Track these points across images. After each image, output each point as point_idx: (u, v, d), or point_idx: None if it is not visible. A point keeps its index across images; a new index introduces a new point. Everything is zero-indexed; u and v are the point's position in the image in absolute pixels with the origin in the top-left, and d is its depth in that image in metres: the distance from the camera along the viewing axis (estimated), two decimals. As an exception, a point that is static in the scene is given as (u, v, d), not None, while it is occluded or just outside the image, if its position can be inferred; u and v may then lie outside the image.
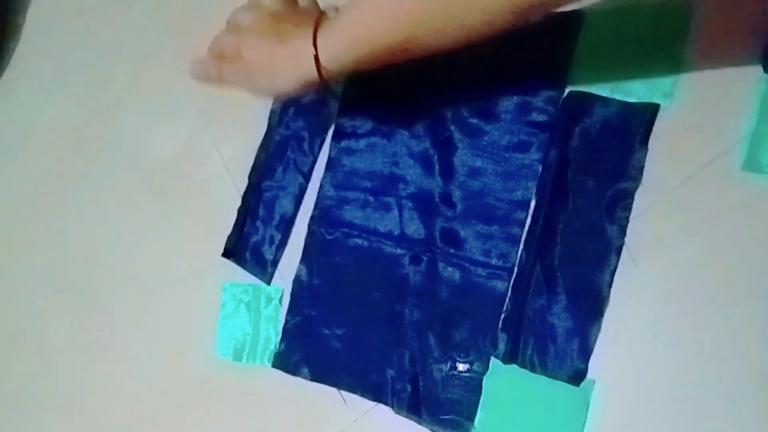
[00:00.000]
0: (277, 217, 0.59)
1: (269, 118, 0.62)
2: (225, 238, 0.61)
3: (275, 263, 0.58)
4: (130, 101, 0.70)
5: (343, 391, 0.54)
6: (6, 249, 0.75)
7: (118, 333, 0.65)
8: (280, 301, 0.57)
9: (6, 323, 0.73)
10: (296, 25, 0.47)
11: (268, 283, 0.58)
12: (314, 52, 0.45)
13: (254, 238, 0.60)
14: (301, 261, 0.57)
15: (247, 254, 0.60)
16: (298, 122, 0.60)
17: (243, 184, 0.62)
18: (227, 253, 0.60)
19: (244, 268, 0.59)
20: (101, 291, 0.68)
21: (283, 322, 0.57)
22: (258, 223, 0.60)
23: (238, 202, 0.62)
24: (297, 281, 0.57)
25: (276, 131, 0.61)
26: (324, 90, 0.57)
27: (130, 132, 0.70)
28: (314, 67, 0.45)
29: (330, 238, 0.57)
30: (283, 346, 0.57)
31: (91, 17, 0.75)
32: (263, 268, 0.59)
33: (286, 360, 0.56)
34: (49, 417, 0.68)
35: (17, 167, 0.76)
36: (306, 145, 0.59)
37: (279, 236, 0.59)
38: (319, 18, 0.47)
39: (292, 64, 0.46)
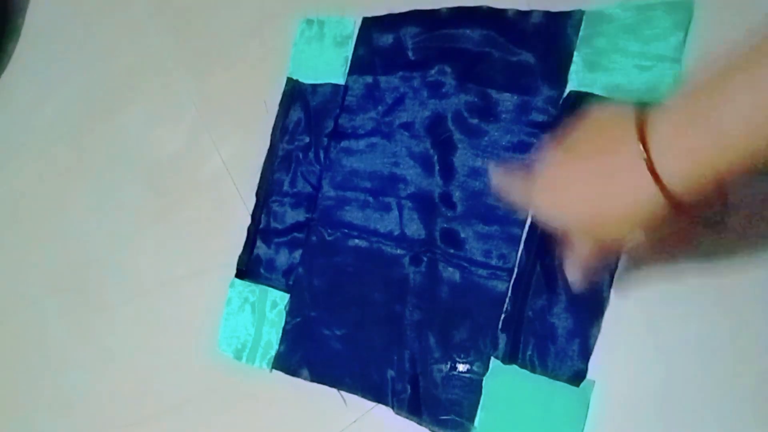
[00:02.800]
0: (289, 227, 0.59)
1: (272, 135, 0.61)
2: (224, 238, 0.61)
3: (290, 271, 0.58)
4: (130, 101, 0.70)
5: (343, 392, 0.54)
6: (6, 249, 0.75)
7: (118, 332, 0.66)
8: (285, 308, 0.57)
9: (6, 323, 0.73)
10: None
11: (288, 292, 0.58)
12: (644, 155, 0.31)
13: (268, 254, 0.60)
14: (301, 262, 0.58)
15: (262, 270, 0.60)
16: (303, 135, 0.60)
17: (243, 184, 0.62)
18: (240, 274, 0.60)
19: (261, 284, 0.59)
20: (101, 291, 0.68)
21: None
22: (270, 237, 0.60)
23: (239, 202, 0.62)
24: (297, 282, 0.57)
25: (279, 146, 0.61)
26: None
27: (130, 132, 0.70)
28: (651, 184, 0.30)
29: (330, 238, 0.57)
30: (283, 347, 0.57)
31: (91, 17, 0.75)
32: (282, 279, 0.59)
33: (286, 361, 0.56)
34: (49, 417, 0.68)
35: (17, 167, 0.77)
36: (312, 155, 0.59)
37: (293, 245, 0.58)
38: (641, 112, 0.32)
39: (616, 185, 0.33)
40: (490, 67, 0.53)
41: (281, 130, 0.61)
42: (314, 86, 0.60)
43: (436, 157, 0.54)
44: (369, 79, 0.58)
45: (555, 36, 0.51)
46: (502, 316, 0.49)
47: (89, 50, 0.74)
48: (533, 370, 0.47)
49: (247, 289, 0.59)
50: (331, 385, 0.54)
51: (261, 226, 0.60)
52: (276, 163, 0.61)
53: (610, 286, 0.46)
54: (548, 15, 0.51)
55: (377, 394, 0.52)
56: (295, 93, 0.61)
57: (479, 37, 0.53)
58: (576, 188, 0.35)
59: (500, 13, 0.53)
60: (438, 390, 0.50)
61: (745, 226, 0.41)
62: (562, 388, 0.46)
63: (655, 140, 0.31)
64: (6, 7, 0.80)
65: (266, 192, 0.61)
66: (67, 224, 0.71)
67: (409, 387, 0.51)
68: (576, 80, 0.49)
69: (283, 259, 0.59)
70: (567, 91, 0.50)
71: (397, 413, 0.51)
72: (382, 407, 0.52)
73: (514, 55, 0.52)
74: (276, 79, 0.62)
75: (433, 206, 0.53)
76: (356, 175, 0.57)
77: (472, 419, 0.49)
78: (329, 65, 0.60)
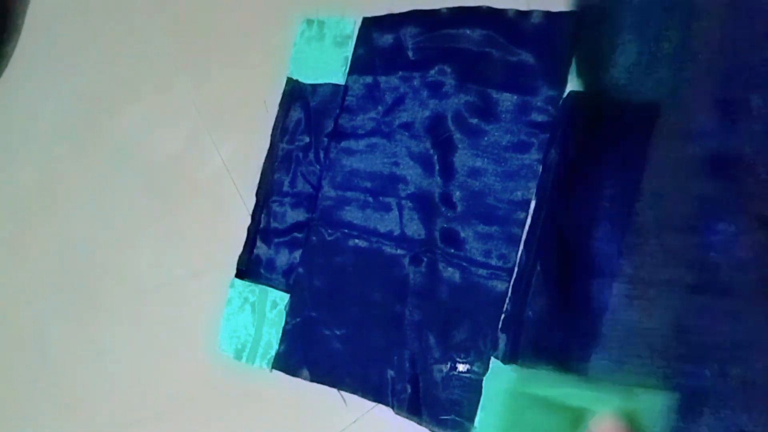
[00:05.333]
0: (289, 227, 0.59)
1: (272, 135, 0.61)
2: (225, 238, 0.61)
3: (290, 271, 0.58)
4: (130, 101, 0.70)
5: (343, 392, 0.54)
6: (6, 249, 0.75)
7: (118, 332, 0.65)
8: (285, 308, 0.57)
9: (6, 323, 0.73)
10: None
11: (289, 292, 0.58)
12: None
13: (268, 254, 0.60)
14: (301, 262, 0.57)
15: (262, 270, 0.59)
16: (303, 135, 0.60)
17: (243, 184, 0.62)
18: (240, 274, 0.60)
19: (261, 284, 0.59)
20: (101, 291, 0.68)
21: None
22: (270, 237, 0.60)
23: (239, 202, 0.62)
24: (297, 282, 0.57)
25: (279, 146, 0.61)
26: None
27: (130, 132, 0.70)
28: None
29: (330, 238, 0.57)
30: (283, 347, 0.57)
31: (91, 17, 0.75)
32: (282, 279, 0.58)
33: (286, 361, 0.56)
34: (49, 417, 0.68)
35: (17, 167, 0.76)
36: (312, 155, 0.59)
37: (293, 245, 0.58)
38: None
39: None
40: (489, 67, 0.53)
41: (281, 130, 0.61)
42: (314, 86, 0.60)
43: (436, 157, 0.54)
44: (369, 79, 0.58)
45: (555, 36, 0.51)
46: (502, 316, 0.49)
47: (89, 51, 0.74)
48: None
49: (247, 289, 0.59)
50: (331, 385, 0.54)
51: (261, 226, 0.60)
52: (276, 163, 0.61)
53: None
54: (548, 15, 0.51)
55: (377, 394, 0.52)
56: (295, 93, 0.61)
57: (479, 37, 0.53)
58: None
59: (500, 13, 0.53)
60: (438, 390, 0.50)
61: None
62: None
63: None
64: (6, 7, 0.80)
65: (266, 192, 0.61)
66: (67, 224, 0.71)
67: (409, 387, 0.51)
68: (576, 80, 0.49)
69: (283, 259, 0.59)
70: (567, 91, 0.50)
71: (397, 413, 0.51)
72: (382, 407, 0.52)
73: (514, 55, 0.52)
74: (276, 79, 0.62)
75: (433, 206, 0.53)
76: (356, 175, 0.57)
77: (472, 419, 0.48)
78: (329, 65, 0.60)
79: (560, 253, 0.48)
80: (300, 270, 0.57)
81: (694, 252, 0.43)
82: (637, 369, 0.43)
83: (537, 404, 0.40)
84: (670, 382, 0.42)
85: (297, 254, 0.58)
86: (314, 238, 0.57)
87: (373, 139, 0.57)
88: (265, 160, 0.61)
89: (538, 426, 0.39)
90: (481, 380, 0.49)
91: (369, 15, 0.58)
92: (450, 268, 0.51)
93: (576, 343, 0.46)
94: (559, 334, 0.47)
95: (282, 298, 0.58)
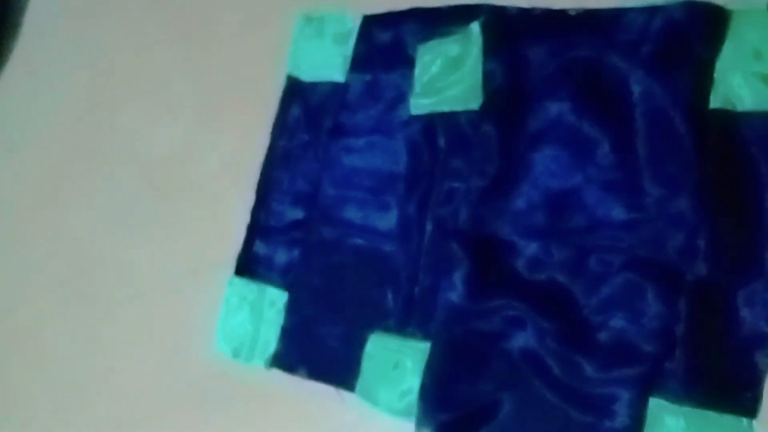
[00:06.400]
0: (288, 225, 0.59)
1: (271, 132, 0.61)
2: (223, 236, 0.61)
3: (288, 270, 0.58)
4: (130, 100, 0.70)
5: (342, 390, 0.53)
6: (5, 248, 0.75)
7: (116, 331, 0.65)
8: (284, 307, 0.57)
9: (5, 322, 0.73)
10: None
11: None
12: None
13: (267, 252, 0.59)
14: (300, 260, 0.57)
15: (260, 268, 0.59)
16: (302, 133, 0.60)
17: (242, 182, 0.62)
18: (238, 272, 0.60)
19: (260, 281, 0.58)
20: (100, 290, 0.67)
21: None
22: (269, 235, 0.59)
23: (238, 200, 0.61)
24: (295, 280, 0.57)
25: (279, 144, 0.61)
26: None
27: (129, 130, 0.70)
28: None
29: (329, 237, 0.56)
30: (281, 345, 0.56)
31: (91, 16, 0.76)
32: (280, 278, 0.58)
33: (284, 359, 0.56)
34: (47, 417, 0.68)
35: (17, 165, 0.77)
36: (311, 153, 0.59)
37: (291, 243, 0.58)
38: None
39: None
40: None
41: (280, 127, 0.61)
42: (314, 84, 0.60)
43: (435, 155, 0.53)
44: (369, 77, 0.57)
45: None
46: None
47: (89, 49, 0.75)
48: None
49: (246, 287, 0.59)
50: (329, 383, 0.54)
51: (260, 224, 0.60)
52: (275, 162, 0.61)
53: None
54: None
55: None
56: (294, 91, 0.61)
57: (480, 35, 0.53)
58: None
59: (500, 10, 0.53)
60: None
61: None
62: None
63: None
64: (7, 6, 0.81)
65: (265, 190, 0.61)
66: (67, 223, 0.71)
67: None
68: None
69: (281, 257, 0.58)
70: None
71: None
72: (381, 406, 0.52)
73: None
74: (275, 76, 0.62)
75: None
76: (355, 174, 0.56)
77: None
78: (329, 63, 0.59)
79: None
80: (298, 268, 0.57)
81: None
82: None
83: None
84: None
85: (296, 252, 0.58)
86: (313, 236, 0.57)
87: (373, 137, 0.56)
88: (265, 158, 0.61)
89: None
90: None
91: (369, 12, 0.58)
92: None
93: None
94: None
95: (280, 297, 0.57)
